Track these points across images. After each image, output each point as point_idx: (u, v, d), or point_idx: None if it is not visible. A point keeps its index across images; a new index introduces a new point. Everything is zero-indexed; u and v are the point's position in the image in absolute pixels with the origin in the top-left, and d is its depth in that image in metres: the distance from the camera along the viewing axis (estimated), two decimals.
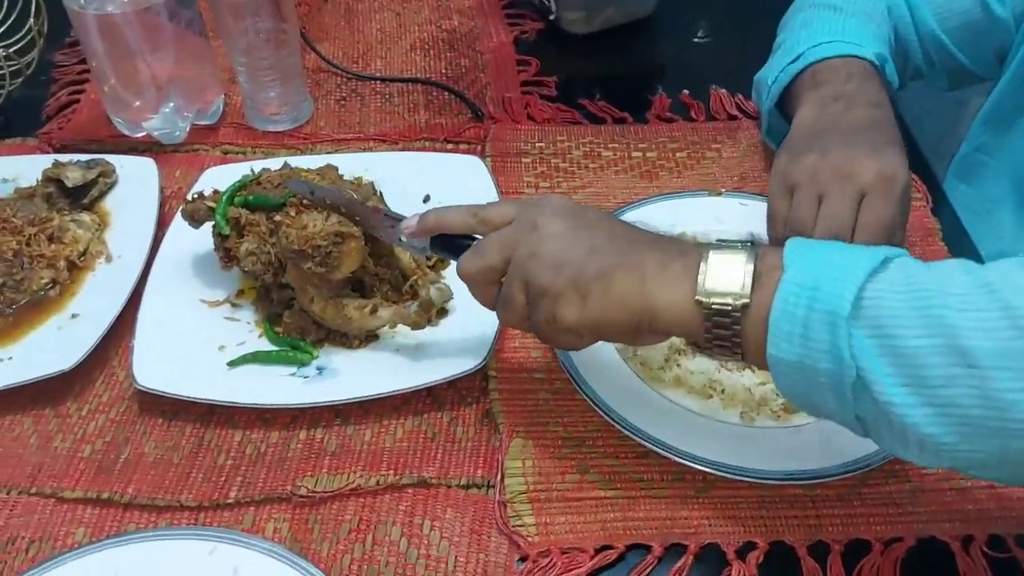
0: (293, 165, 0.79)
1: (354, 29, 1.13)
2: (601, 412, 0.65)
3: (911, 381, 0.45)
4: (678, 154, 0.92)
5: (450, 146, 0.95)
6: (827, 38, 0.80)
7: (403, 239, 0.66)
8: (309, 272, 0.68)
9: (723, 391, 0.67)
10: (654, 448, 0.63)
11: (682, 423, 0.65)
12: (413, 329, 0.70)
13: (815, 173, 0.70)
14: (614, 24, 1.10)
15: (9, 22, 1.04)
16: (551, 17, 1.10)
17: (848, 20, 0.82)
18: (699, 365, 0.69)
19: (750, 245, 0.52)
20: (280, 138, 0.95)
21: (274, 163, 0.82)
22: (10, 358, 0.71)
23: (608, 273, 0.54)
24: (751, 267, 0.50)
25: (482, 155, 0.92)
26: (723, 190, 0.84)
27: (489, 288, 0.60)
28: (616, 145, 0.93)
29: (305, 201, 0.71)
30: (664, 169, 0.90)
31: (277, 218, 0.70)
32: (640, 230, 0.58)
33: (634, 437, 0.63)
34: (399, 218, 0.67)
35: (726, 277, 0.50)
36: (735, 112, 0.98)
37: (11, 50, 0.97)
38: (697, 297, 0.51)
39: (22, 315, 0.75)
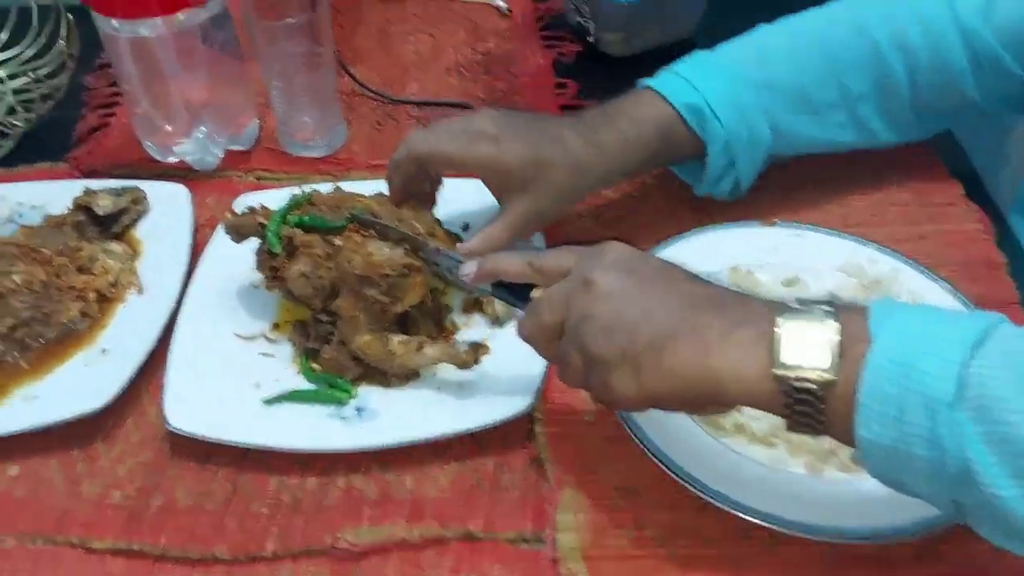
0: (345, 189, 0.76)
1: (388, 52, 1.10)
2: (656, 461, 0.61)
3: (1022, 472, 0.41)
4: None
5: None
6: (690, 63, 0.77)
7: (464, 281, 0.63)
8: (371, 300, 0.66)
9: (789, 439, 0.63)
10: (714, 501, 0.59)
11: (744, 474, 0.62)
12: (460, 368, 0.67)
13: None
14: (655, 45, 1.07)
15: (40, 45, 1.02)
16: (589, 39, 1.07)
17: (758, 42, 0.79)
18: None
19: (828, 308, 0.48)
20: (314, 164, 0.93)
21: (320, 187, 0.79)
22: (36, 397, 0.68)
23: (663, 342, 0.50)
24: (834, 337, 0.46)
25: None
26: (776, 220, 0.80)
27: (551, 347, 0.57)
28: (661, 173, 0.90)
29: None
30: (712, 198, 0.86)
31: (337, 242, 0.68)
32: (704, 285, 0.54)
33: (692, 489, 0.60)
34: (460, 260, 0.65)
35: (806, 349, 0.46)
36: None
37: (41, 72, 0.96)
38: (774, 371, 0.47)
39: (49, 350, 0.72)
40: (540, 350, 0.58)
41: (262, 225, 0.71)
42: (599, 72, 1.06)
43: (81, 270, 0.76)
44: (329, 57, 0.90)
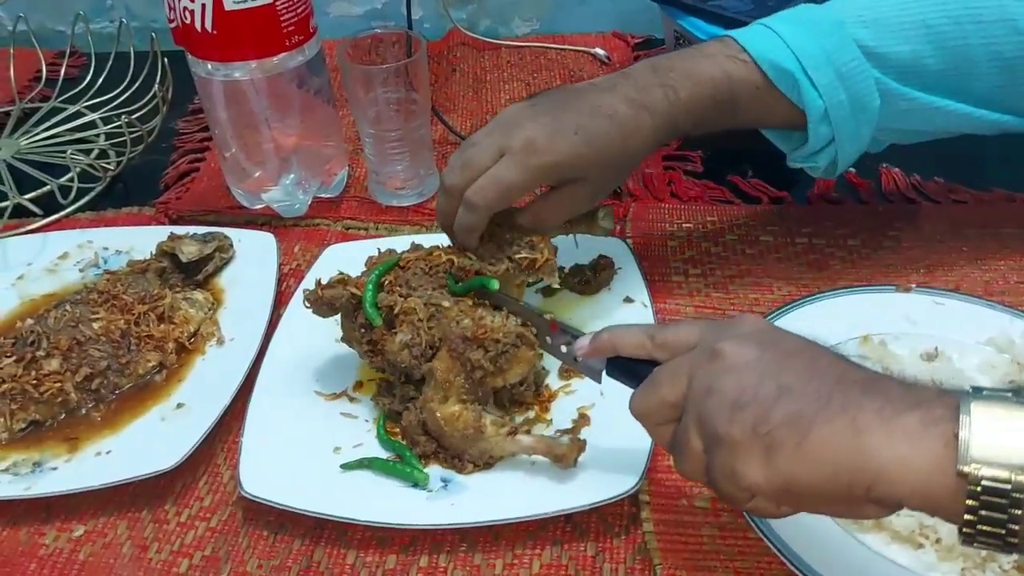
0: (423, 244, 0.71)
1: (482, 100, 1.07)
2: (782, 557, 0.53)
3: None
4: (850, 240, 0.81)
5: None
6: (788, 15, 0.67)
7: (578, 359, 0.57)
8: (472, 364, 0.60)
9: (938, 541, 0.55)
10: None
11: None
12: (556, 464, 0.60)
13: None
14: None
15: (134, 88, 1.02)
16: None
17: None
18: None
19: (1021, 397, 0.40)
20: (404, 213, 0.89)
21: (395, 242, 0.76)
22: (108, 452, 0.65)
23: (803, 420, 0.42)
24: None
25: (623, 236, 0.82)
26: (913, 285, 0.72)
27: (666, 429, 0.49)
28: (775, 228, 0.83)
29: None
30: (835, 258, 0.79)
31: (445, 303, 0.63)
32: (857, 366, 0.45)
33: None
34: (576, 334, 0.58)
35: (1002, 440, 0.38)
36: (911, 195, 0.86)
37: (134, 116, 0.95)
38: (960, 467, 0.38)
39: (125, 402, 0.69)
40: (654, 432, 0.51)
41: (354, 296, 0.64)
42: None
43: (161, 319, 0.73)
44: (424, 104, 0.86)
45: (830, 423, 0.41)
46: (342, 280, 0.65)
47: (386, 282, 0.65)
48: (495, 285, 0.63)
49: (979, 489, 0.38)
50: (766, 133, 0.75)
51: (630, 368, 0.53)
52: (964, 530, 0.39)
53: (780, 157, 0.75)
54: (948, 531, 0.55)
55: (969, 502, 0.38)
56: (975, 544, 0.40)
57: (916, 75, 0.66)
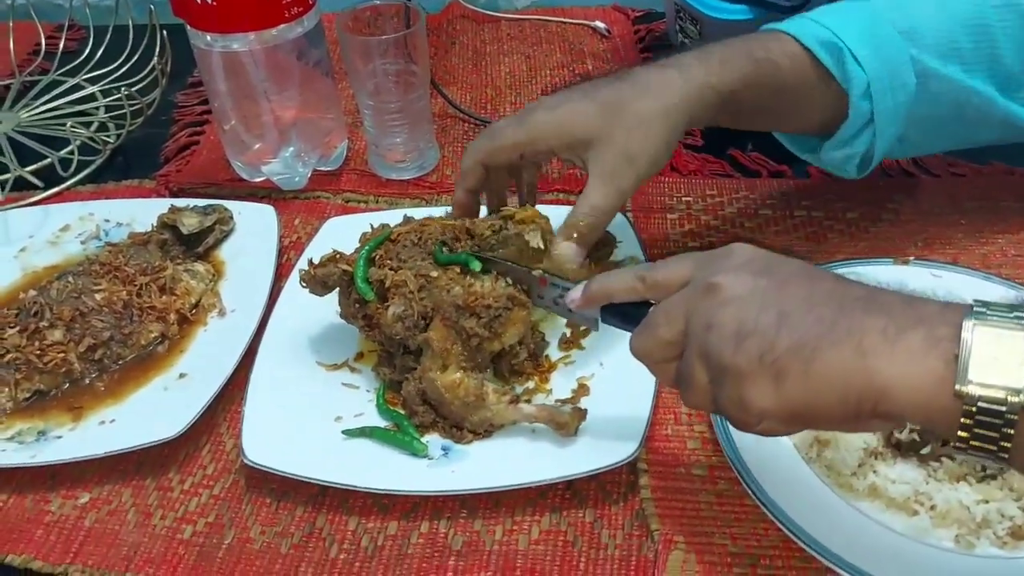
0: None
1: (482, 73, 1.07)
2: (779, 523, 0.54)
3: None
4: (849, 214, 0.81)
5: None
6: (819, 10, 0.67)
7: (572, 311, 0.58)
8: (469, 331, 0.60)
9: (933, 507, 0.55)
10: (847, 574, 0.51)
11: (882, 545, 0.54)
12: (557, 432, 0.60)
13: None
14: None
15: (133, 60, 1.02)
16: None
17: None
18: (901, 473, 0.57)
19: (1021, 315, 0.40)
20: (404, 187, 0.89)
21: (390, 216, 0.76)
22: (113, 421, 0.65)
23: (809, 345, 0.42)
24: None
25: (623, 209, 0.82)
26: (911, 258, 0.72)
27: (668, 366, 0.50)
28: (775, 202, 0.83)
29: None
30: (834, 231, 0.79)
31: (434, 273, 0.63)
32: (857, 284, 0.46)
33: (822, 559, 0.52)
34: (567, 286, 0.59)
35: (999, 362, 0.38)
36: (911, 169, 0.86)
37: (133, 88, 0.95)
38: (958, 387, 0.39)
39: (128, 372, 0.69)
40: (656, 370, 0.51)
41: (346, 272, 0.65)
42: None
43: (163, 290, 0.73)
44: (423, 77, 0.86)
45: (836, 347, 0.42)
46: (333, 258, 0.66)
47: (377, 256, 0.65)
48: (477, 266, 0.64)
49: (975, 409, 0.39)
50: (781, 138, 0.76)
51: (625, 312, 0.54)
52: (956, 444, 0.40)
53: None
54: (943, 498, 0.56)
55: (964, 420, 0.39)
56: (970, 456, 0.40)
57: (954, 52, 0.66)
